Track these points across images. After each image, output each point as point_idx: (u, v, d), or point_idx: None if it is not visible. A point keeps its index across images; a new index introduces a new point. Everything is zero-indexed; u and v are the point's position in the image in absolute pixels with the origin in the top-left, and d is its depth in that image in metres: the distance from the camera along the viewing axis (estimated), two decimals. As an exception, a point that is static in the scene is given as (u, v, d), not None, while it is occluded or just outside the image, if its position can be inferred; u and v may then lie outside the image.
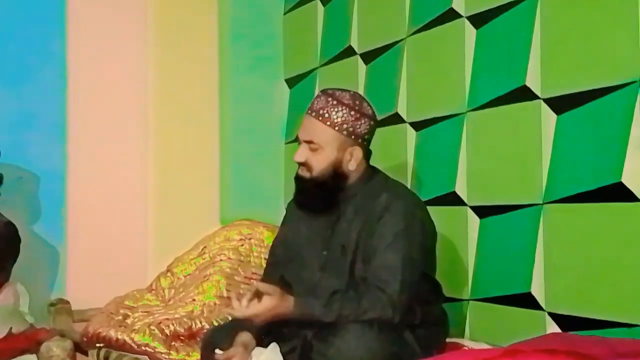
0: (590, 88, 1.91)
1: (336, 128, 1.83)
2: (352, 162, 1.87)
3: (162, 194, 3.17)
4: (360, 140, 1.87)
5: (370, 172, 1.95)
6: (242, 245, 2.66)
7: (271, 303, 1.74)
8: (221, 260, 2.60)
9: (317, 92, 3.09)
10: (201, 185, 3.25)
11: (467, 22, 2.36)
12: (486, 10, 2.28)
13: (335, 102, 1.85)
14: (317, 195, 1.90)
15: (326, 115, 1.84)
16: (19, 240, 2.55)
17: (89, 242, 3.01)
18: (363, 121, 1.86)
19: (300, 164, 1.89)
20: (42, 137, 2.98)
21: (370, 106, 1.92)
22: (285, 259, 2.02)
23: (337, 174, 1.87)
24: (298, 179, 1.92)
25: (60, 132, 3.02)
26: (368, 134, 1.89)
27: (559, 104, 2.02)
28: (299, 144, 1.91)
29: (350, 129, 1.84)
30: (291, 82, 3.39)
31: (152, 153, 3.18)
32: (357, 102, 1.88)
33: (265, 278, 2.10)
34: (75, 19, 3.07)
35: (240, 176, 3.30)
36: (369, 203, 1.87)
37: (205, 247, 2.71)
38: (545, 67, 2.08)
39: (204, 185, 3.26)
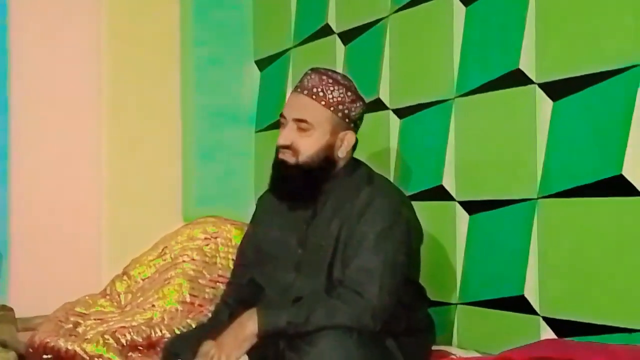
0: (589, 72, 1.92)
1: (332, 108, 1.83)
2: (343, 149, 1.87)
3: (117, 190, 3.17)
4: (352, 125, 1.88)
5: (353, 165, 1.95)
6: (207, 244, 2.64)
7: (227, 348, 1.73)
8: (184, 261, 2.59)
9: (291, 74, 3.14)
10: (161, 179, 3.26)
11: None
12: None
13: (331, 81, 1.85)
14: (301, 183, 1.87)
15: (321, 94, 1.83)
16: None
17: (34, 243, 3.01)
18: (358, 104, 1.88)
19: (285, 147, 1.86)
20: None
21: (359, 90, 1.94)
22: (256, 260, 2.02)
23: (327, 161, 1.86)
24: (280, 163, 1.88)
25: (2, 125, 3.01)
26: (359, 119, 1.91)
27: (556, 90, 2.03)
28: (281, 126, 1.89)
29: (346, 111, 1.85)
30: (262, 64, 3.39)
31: (106, 144, 3.18)
32: (350, 82, 1.90)
33: (233, 281, 2.10)
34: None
35: (205, 169, 3.30)
36: (349, 198, 1.87)
37: (166, 247, 2.69)
38: (541, 49, 2.09)
39: (165, 179, 3.27)
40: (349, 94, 1.86)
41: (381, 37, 2.66)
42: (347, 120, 1.86)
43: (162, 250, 2.70)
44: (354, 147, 1.94)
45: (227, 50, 3.38)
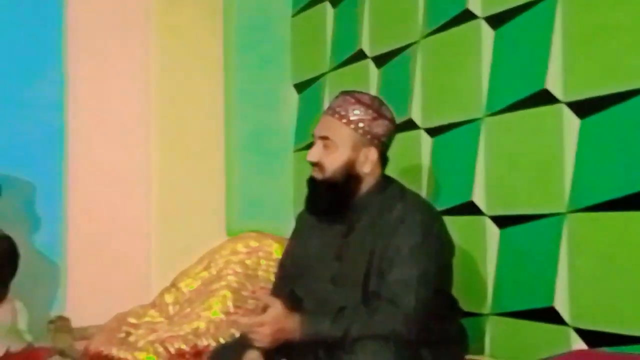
0: (615, 91, 1.89)
1: (352, 126, 1.83)
2: (367, 164, 1.85)
3: (166, 206, 3.19)
4: (376, 142, 1.85)
5: (386, 182, 1.93)
6: (249, 258, 2.65)
7: (276, 314, 1.74)
8: (228, 274, 2.59)
9: (326, 97, 3.14)
10: (207, 196, 3.26)
11: (483, 23, 2.35)
12: (504, 11, 2.27)
13: (353, 101, 1.85)
14: (328, 198, 1.86)
15: (342, 112, 1.84)
16: (17, 255, 2.54)
17: (89, 257, 3.02)
18: (380, 122, 1.85)
19: (314, 165, 1.87)
20: (40, 146, 2.99)
21: (390, 111, 1.91)
22: (295, 273, 2.00)
23: (350, 176, 1.85)
24: (310, 181, 1.90)
25: (59, 142, 3.03)
26: (385, 136, 1.88)
27: (582, 108, 2.00)
28: (314, 143, 1.90)
29: (367, 128, 1.83)
30: (300, 87, 3.39)
31: (155, 162, 3.20)
32: (377, 103, 1.88)
33: (275, 293, 2.08)
34: (74, 24, 3.08)
35: (248, 186, 3.31)
36: (383, 214, 1.85)
37: (211, 260, 2.71)
38: (567, 70, 2.06)
39: (210, 195, 3.27)
40: (370, 111, 1.84)
41: (412, 61, 2.66)
42: (368, 136, 1.84)
43: (208, 263, 2.71)
44: (384, 165, 1.92)
45: (268, 74, 3.39)
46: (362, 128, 1.83)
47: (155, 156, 3.19)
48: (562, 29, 2.07)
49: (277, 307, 1.77)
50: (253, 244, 2.71)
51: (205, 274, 2.66)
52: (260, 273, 2.61)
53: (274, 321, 1.74)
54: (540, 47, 2.13)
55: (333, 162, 1.84)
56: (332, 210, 1.89)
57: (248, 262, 2.63)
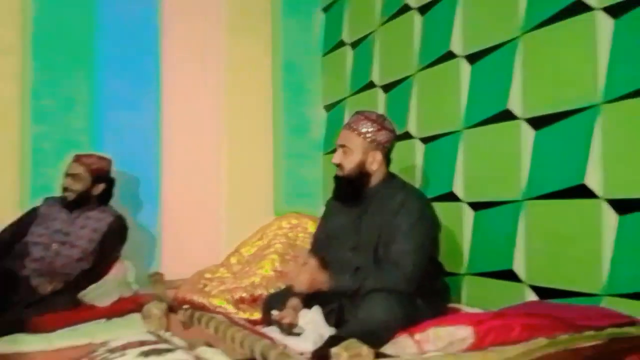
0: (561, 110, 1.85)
1: (362, 136, 1.85)
2: (374, 164, 1.87)
3: (231, 192, 3.15)
4: (380, 147, 1.87)
5: (390, 176, 1.94)
6: (291, 232, 2.64)
7: (312, 267, 1.77)
8: (275, 243, 2.59)
9: (346, 115, 3.13)
10: (260, 187, 3.23)
11: (463, 60, 2.32)
12: (480, 51, 2.23)
13: (362, 118, 1.88)
14: (348, 189, 1.90)
15: (355, 126, 1.87)
16: (126, 228, 2.57)
17: (177, 228, 3.01)
18: (383, 132, 1.87)
19: (337, 165, 1.91)
20: (142, 147, 2.99)
21: (392, 124, 1.92)
22: (325, 243, 2.02)
23: (362, 173, 1.87)
24: (335, 177, 1.94)
25: (155, 143, 3.02)
26: (387, 142, 1.89)
27: (536, 123, 1.97)
28: (336, 150, 1.93)
29: (373, 137, 1.85)
30: (328, 107, 3.37)
31: (225, 162, 3.17)
32: (380, 119, 1.90)
33: (309, 254, 2.11)
34: (170, 58, 3.07)
35: (289, 180, 3.30)
36: (388, 201, 1.85)
37: (263, 233, 2.71)
38: (525, 92, 2.02)
39: (262, 186, 3.23)
40: (375, 125, 1.87)
41: (410, 88, 2.62)
42: (374, 143, 1.86)
43: (261, 235, 2.71)
44: (388, 164, 1.93)
45: (305, 98, 3.37)
46: (369, 137, 1.85)
47: (225, 157, 3.16)
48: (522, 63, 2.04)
49: (312, 263, 1.79)
50: (294, 221, 2.70)
51: (259, 243, 2.66)
52: (298, 243, 2.61)
53: (310, 272, 1.77)
54: (504, 76, 2.09)
55: (349, 163, 1.87)
56: (351, 198, 1.92)
57: (290, 234, 2.62)
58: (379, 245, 1.83)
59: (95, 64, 2.89)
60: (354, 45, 3.12)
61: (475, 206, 2.24)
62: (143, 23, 3.01)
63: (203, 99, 3.14)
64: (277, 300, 1.95)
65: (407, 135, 2.61)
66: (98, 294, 2.28)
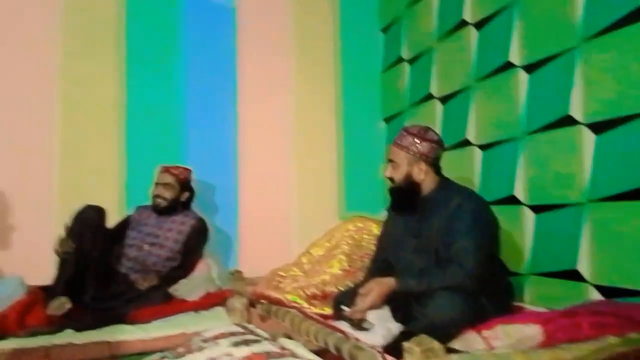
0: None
1: (405, 150, 1.85)
2: (421, 174, 1.85)
3: (301, 199, 3.17)
4: (424, 158, 1.85)
5: (443, 182, 1.90)
6: (357, 234, 2.59)
7: (376, 293, 1.74)
8: (343, 244, 2.55)
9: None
10: (327, 193, 3.23)
11: (521, 70, 2.23)
12: (538, 61, 2.14)
13: (405, 133, 1.88)
14: (401, 199, 1.89)
15: (399, 142, 1.87)
16: (207, 229, 2.63)
17: (254, 231, 3.05)
18: (425, 144, 1.84)
19: (388, 178, 1.90)
20: (222, 161, 3.05)
21: (435, 135, 1.88)
22: (388, 245, 1.99)
23: (411, 183, 1.85)
24: (389, 190, 1.93)
25: (233, 157, 3.08)
26: (430, 153, 1.85)
27: (597, 127, 1.86)
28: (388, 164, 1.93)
29: (415, 150, 1.84)
30: (387, 120, 3.34)
31: (294, 172, 3.19)
32: (422, 132, 1.87)
33: (375, 258, 2.09)
34: (244, 75, 3.13)
35: (353, 186, 3.28)
36: (444, 204, 1.81)
37: (331, 235, 2.67)
38: (588, 96, 1.92)
39: (329, 193, 3.24)
40: (416, 139, 1.85)
41: (469, 99, 2.55)
42: (417, 155, 1.84)
43: (329, 237, 2.68)
44: (438, 171, 1.89)
45: (366, 111, 3.36)
46: (411, 150, 1.84)
47: (294, 167, 3.19)
48: (582, 70, 1.92)
49: (374, 287, 1.75)
50: (359, 224, 2.66)
51: (327, 244, 2.64)
52: (364, 244, 2.56)
53: (376, 297, 1.74)
54: (565, 83, 1.99)
55: (398, 175, 1.87)
56: (405, 207, 1.90)
57: (356, 236, 2.58)
58: (440, 247, 1.79)
59: (183, 91, 2.99)
60: (412, 61, 3.08)
61: (537, 209, 2.14)
62: (221, 46, 3.09)
63: (275, 117, 3.18)
64: (346, 297, 1.93)
65: (466, 143, 2.54)
66: (187, 289, 2.33)
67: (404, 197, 1.87)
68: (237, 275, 2.73)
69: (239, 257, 3.02)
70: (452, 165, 2.61)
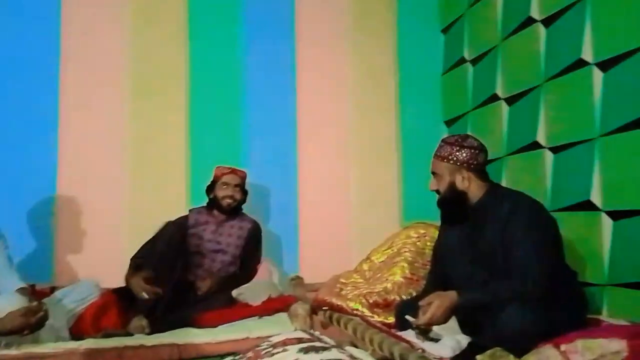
0: None
1: (444, 160, 1.85)
2: (464, 182, 1.83)
3: (360, 205, 3.16)
4: (465, 165, 1.83)
5: (492, 188, 1.86)
6: (419, 241, 2.57)
7: (436, 306, 1.70)
8: (405, 251, 2.54)
9: (469, 129, 3.01)
10: (386, 199, 3.21)
11: (594, 69, 2.13)
12: (615, 57, 2.03)
13: (443, 144, 1.88)
14: (449, 211, 1.88)
15: (438, 153, 1.88)
16: (261, 232, 2.70)
17: (314, 237, 3.07)
18: (464, 151, 1.83)
19: (435, 192, 1.90)
20: (282, 167, 3.09)
21: (474, 141, 1.86)
22: (444, 256, 1.96)
23: (455, 193, 1.84)
24: (437, 203, 1.91)
25: (293, 164, 3.12)
26: (471, 159, 1.83)
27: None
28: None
29: (454, 158, 1.83)
30: (449, 123, 3.28)
31: (354, 179, 3.19)
32: (460, 140, 1.86)
33: (432, 270, 2.06)
34: (303, 78, 3.14)
35: (413, 192, 3.24)
36: (496, 211, 1.77)
37: (392, 242, 2.66)
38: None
39: (388, 199, 3.21)
40: (454, 147, 1.83)
41: (538, 99, 2.46)
42: (457, 164, 1.83)
43: (390, 244, 2.67)
44: (484, 177, 1.85)
45: (426, 114, 3.31)
46: (450, 159, 1.84)
47: (354, 174, 3.18)
48: None
49: (435, 300, 1.71)
50: (421, 230, 2.63)
51: (389, 251, 2.63)
52: (427, 251, 2.52)
53: (438, 310, 1.70)
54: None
55: (442, 187, 1.86)
56: (455, 218, 1.89)
57: (419, 243, 2.55)
58: (497, 256, 1.74)
59: (243, 94, 3.07)
60: (475, 61, 3.01)
61: (615, 215, 2.02)
62: (281, 51, 3.14)
63: (333, 120, 3.21)
64: (409, 307, 1.91)
65: (535, 145, 2.44)
66: (251, 293, 2.39)
67: (451, 208, 1.86)
68: (297, 281, 2.77)
69: (299, 262, 3.04)
70: (521, 170, 2.54)
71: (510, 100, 2.68)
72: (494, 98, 2.80)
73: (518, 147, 2.57)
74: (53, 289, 2.39)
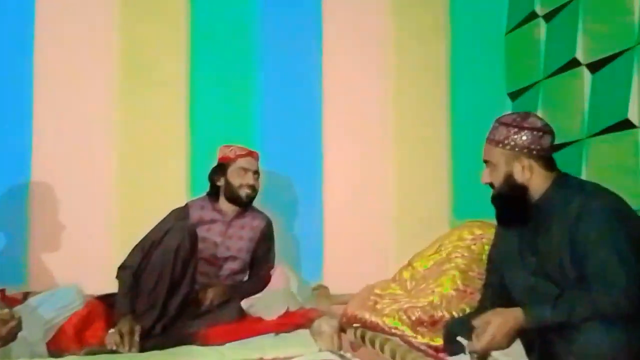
0: None
1: (500, 145, 1.80)
2: (525, 172, 1.78)
3: (401, 200, 3.17)
4: (525, 151, 1.77)
5: (559, 179, 1.81)
6: (474, 244, 2.53)
7: (496, 326, 1.66)
8: (456, 257, 2.51)
9: (540, 103, 2.95)
10: (433, 192, 3.21)
11: None
12: None
13: (497, 125, 1.83)
14: (506, 209, 1.84)
15: (491, 137, 1.83)
16: (273, 229, 2.70)
17: (342, 238, 3.08)
18: (524, 133, 1.77)
19: (488, 185, 1.85)
20: (303, 152, 3.12)
21: (538, 121, 1.80)
22: (501, 265, 1.93)
23: (512, 186, 1.79)
24: (491, 199, 1.87)
25: (317, 148, 3.13)
26: (533, 144, 1.77)
27: None
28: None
29: (512, 143, 1.78)
30: (513, 95, 3.23)
31: (393, 166, 3.19)
32: (519, 119, 1.80)
33: (488, 282, 2.03)
34: (330, 38, 3.16)
35: (467, 184, 3.17)
36: (563, 209, 1.72)
37: (441, 245, 2.64)
38: None
39: (436, 191, 3.21)
40: (511, 128, 1.78)
41: (630, 65, 2.38)
42: (516, 149, 1.77)
43: (438, 247, 2.64)
44: (550, 166, 1.80)
45: (484, 86, 3.28)
46: (507, 144, 1.79)
47: (393, 158, 3.18)
48: None
49: (494, 319, 1.68)
50: (477, 231, 2.59)
51: (436, 256, 2.60)
52: (484, 257, 2.46)
53: (499, 328, 1.66)
54: None
55: (497, 179, 1.82)
56: (513, 219, 1.85)
57: (474, 247, 2.52)
58: (567, 264, 1.69)
59: (254, 61, 3.08)
60: (549, 16, 2.95)
61: None
62: (303, 10, 3.15)
63: (367, 93, 3.20)
64: (462, 325, 1.88)
65: (626, 124, 2.37)
66: (264, 305, 2.40)
67: (508, 205, 1.83)
68: (321, 291, 2.78)
69: (324, 269, 3.07)
70: (609, 153, 2.47)
71: (594, 67, 2.62)
72: (574, 63, 2.72)
73: (604, 126, 2.51)
74: (26, 295, 2.44)
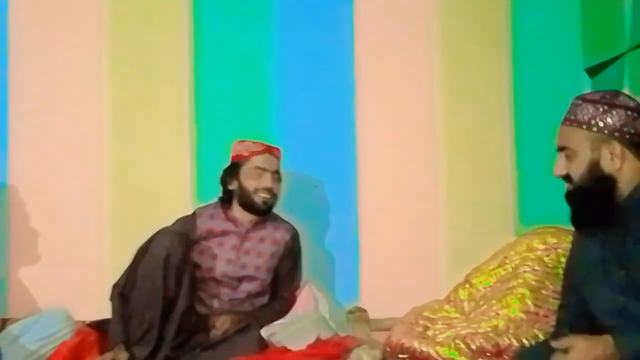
0: None
1: (584, 126, 1.76)
2: (615, 160, 1.74)
3: (453, 204, 3.16)
4: (617, 134, 1.73)
5: None
6: (547, 255, 2.55)
7: (581, 353, 1.64)
8: (525, 271, 2.53)
9: (626, 80, 2.92)
10: (494, 195, 3.18)
11: None
12: None
13: (580, 102, 1.80)
14: (586, 208, 1.78)
15: (572, 117, 1.79)
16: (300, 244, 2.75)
17: (382, 253, 3.10)
18: (615, 112, 1.73)
19: (563, 178, 1.81)
20: (333, 148, 3.13)
21: (630, 99, 1.78)
22: (579, 281, 1.90)
23: (598, 178, 1.75)
24: (566, 196, 1.82)
25: (350, 142, 3.14)
26: (626, 125, 1.74)
27: None
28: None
29: (600, 124, 1.74)
30: (592, 71, 3.20)
31: (443, 165, 3.18)
32: (608, 96, 1.78)
33: (564, 302, 2.01)
34: (363, 19, 3.18)
35: (537, 184, 3.15)
36: None
37: (505, 257, 2.65)
38: None
39: (497, 194, 3.18)
40: (599, 106, 1.74)
41: None
42: (605, 132, 1.73)
43: (502, 260, 2.66)
44: None
45: (557, 58, 3.25)
46: (595, 125, 1.74)
47: (441, 158, 3.18)
48: None
49: (579, 344, 1.66)
50: (551, 240, 2.60)
51: (500, 271, 2.61)
52: (559, 271, 2.47)
53: (586, 354, 1.64)
54: None
55: (577, 169, 1.77)
56: (594, 221, 1.80)
57: (547, 259, 2.53)
58: None
59: (271, 44, 3.11)
60: (636, -25, 2.94)
61: None
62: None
63: (410, 78, 3.20)
64: (536, 355, 1.88)
65: None
66: (288, 333, 2.43)
67: (590, 203, 1.77)
68: (358, 315, 2.79)
69: (360, 289, 3.07)
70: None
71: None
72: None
73: None
74: (5, 322, 2.49)
